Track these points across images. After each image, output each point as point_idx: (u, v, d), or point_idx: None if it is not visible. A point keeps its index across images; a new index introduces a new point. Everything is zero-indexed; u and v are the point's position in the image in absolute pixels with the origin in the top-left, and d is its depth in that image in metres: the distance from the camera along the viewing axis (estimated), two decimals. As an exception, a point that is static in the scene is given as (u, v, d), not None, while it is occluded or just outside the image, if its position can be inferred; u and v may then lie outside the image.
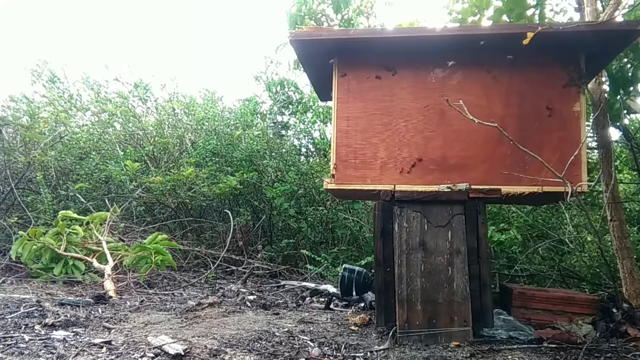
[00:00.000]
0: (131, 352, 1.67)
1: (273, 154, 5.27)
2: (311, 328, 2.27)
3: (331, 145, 2.30)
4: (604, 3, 2.96)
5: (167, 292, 3.19)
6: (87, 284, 3.17)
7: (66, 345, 1.73)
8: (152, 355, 1.65)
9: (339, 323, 2.42)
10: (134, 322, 2.21)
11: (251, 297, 3.09)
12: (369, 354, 1.87)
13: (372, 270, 3.03)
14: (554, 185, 2.07)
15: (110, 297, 2.75)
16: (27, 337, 1.80)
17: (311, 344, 1.98)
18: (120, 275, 3.32)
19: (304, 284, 3.73)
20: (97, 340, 1.79)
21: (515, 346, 1.97)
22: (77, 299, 2.59)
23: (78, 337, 1.86)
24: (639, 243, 4.02)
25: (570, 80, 2.16)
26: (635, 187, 4.64)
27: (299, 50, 2.32)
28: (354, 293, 3.06)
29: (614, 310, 2.43)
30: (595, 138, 3.08)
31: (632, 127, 3.58)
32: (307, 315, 2.63)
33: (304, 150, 6.57)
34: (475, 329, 2.05)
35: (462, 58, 2.23)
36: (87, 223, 3.54)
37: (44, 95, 5.94)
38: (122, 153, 5.22)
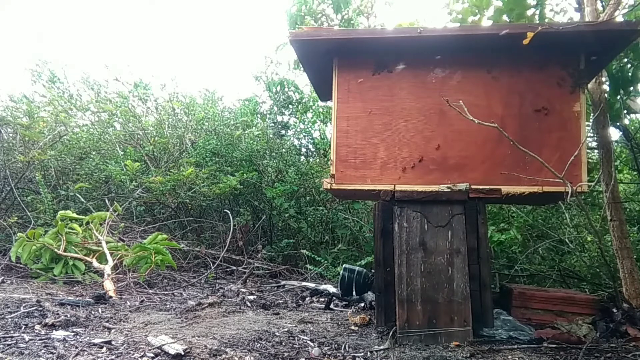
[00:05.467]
0: (131, 352, 1.67)
1: (273, 154, 5.27)
2: (311, 328, 2.27)
3: (331, 145, 2.30)
4: (604, 3, 2.96)
5: (167, 292, 3.19)
6: (87, 284, 3.17)
7: (66, 345, 1.73)
8: (152, 355, 1.65)
9: (339, 323, 2.42)
10: (134, 322, 2.21)
11: (251, 297, 3.09)
12: (369, 354, 1.87)
13: (372, 270, 3.03)
14: (554, 185, 2.07)
15: (110, 297, 2.75)
16: (27, 337, 1.80)
17: (311, 344, 1.98)
18: (120, 275, 3.32)
19: (304, 284, 3.73)
20: (97, 340, 1.79)
21: (515, 346, 1.97)
22: (77, 299, 2.59)
23: (78, 337, 1.86)
24: (639, 243, 4.02)
25: (570, 80, 2.16)
26: (635, 187, 4.64)
27: (299, 50, 2.32)
28: (354, 293, 3.06)
29: (614, 310, 2.43)
30: (595, 138, 3.08)
31: (632, 127, 3.58)
32: (307, 315, 2.63)
33: (304, 150, 6.57)
34: (475, 329, 2.06)
35: (462, 58, 2.23)
36: (87, 223, 3.53)
37: (44, 95, 5.94)
38: (122, 153, 5.22)
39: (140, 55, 14.03)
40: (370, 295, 2.97)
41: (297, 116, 6.76)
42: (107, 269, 3.11)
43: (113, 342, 1.78)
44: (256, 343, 1.91)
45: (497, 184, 2.14)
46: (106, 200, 4.50)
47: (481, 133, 2.16)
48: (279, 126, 6.88)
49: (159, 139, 5.36)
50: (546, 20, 3.03)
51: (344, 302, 3.09)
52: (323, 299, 3.15)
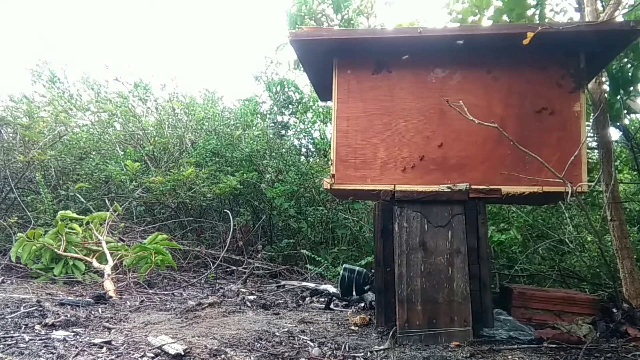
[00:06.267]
0: (131, 352, 1.67)
1: (273, 154, 5.27)
2: (311, 328, 2.27)
3: (331, 145, 2.30)
4: (604, 3, 2.96)
5: (167, 292, 3.19)
6: (87, 284, 3.17)
7: (66, 345, 1.73)
8: (152, 355, 1.65)
9: (339, 323, 2.42)
10: (134, 322, 2.21)
11: (251, 297, 3.09)
12: (369, 354, 1.87)
13: (372, 270, 3.03)
14: (554, 185, 2.07)
15: (110, 297, 2.75)
16: (27, 337, 1.80)
17: (311, 344, 1.98)
18: (120, 275, 3.32)
19: (304, 284, 3.73)
20: (97, 340, 1.79)
21: (515, 346, 1.97)
22: (77, 299, 2.59)
23: (78, 337, 1.86)
24: (639, 243, 4.02)
25: (571, 80, 2.16)
26: (635, 187, 4.64)
27: (299, 50, 2.32)
28: (354, 293, 3.06)
29: (614, 310, 2.43)
30: (595, 138, 3.08)
31: (632, 127, 3.58)
32: (307, 315, 2.63)
33: (304, 150, 6.57)
34: (475, 329, 2.05)
35: (462, 58, 2.23)
36: (87, 223, 3.53)
37: (44, 95, 5.95)
38: (122, 153, 5.22)
39: (140, 55, 14.04)
40: (370, 295, 2.97)
41: (297, 116, 6.76)
42: (107, 269, 3.11)
43: (113, 342, 1.78)
44: (256, 343, 1.91)
45: (497, 184, 2.14)
46: (106, 200, 4.50)
47: (481, 133, 2.16)
48: (279, 126, 6.88)
49: (159, 139, 5.36)
50: (546, 20, 3.03)
51: (344, 302, 3.09)
52: (323, 299, 3.15)
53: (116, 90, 6.16)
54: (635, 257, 2.81)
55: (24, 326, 1.98)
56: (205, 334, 1.98)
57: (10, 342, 1.74)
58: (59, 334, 1.89)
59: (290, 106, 6.96)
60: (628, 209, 4.44)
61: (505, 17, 3.01)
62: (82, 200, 4.57)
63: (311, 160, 6.16)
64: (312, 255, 4.27)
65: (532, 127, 2.16)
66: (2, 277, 3.25)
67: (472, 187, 2.13)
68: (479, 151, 2.18)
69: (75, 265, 3.27)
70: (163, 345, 1.72)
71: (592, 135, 3.18)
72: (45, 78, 6.18)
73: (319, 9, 6.04)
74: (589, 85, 2.70)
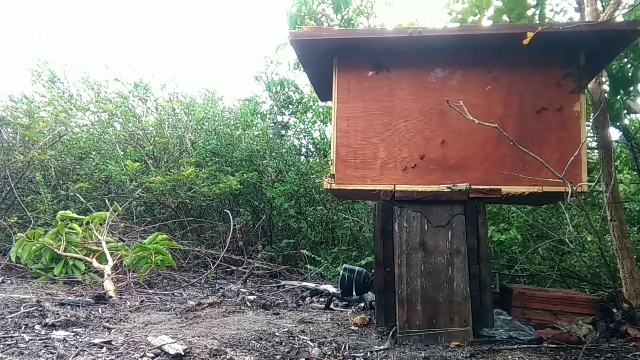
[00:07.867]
0: (131, 352, 1.67)
1: (273, 154, 5.27)
2: (311, 328, 2.27)
3: (331, 145, 2.30)
4: (604, 3, 2.96)
5: (167, 292, 3.19)
6: (87, 284, 3.17)
7: (66, 345, 1.73)
8: (152, 355, 1.65)
9: (339, 323, 2.42)
10: (134, 322, 2.21)
11: (251, 297, 3.09)
12: (369, 354, 1.87)
13: (372, 270, 3.03)
14: (554, 185, 2.07)
15: (110, 297, 2.75)
16: (27, 337, 1.80)
17: (311, 344, 1.98)
18: (120, 275, 3.32)
19: (304, 284, 3.73)
20: (97, 340, 1.79)
21: (515, 346, 1.97)
22: (77, 299, 2.59)
23: (78, 337, 1.86)
24: (639, 243, 4.02)
25: (571, 80, 2.16)
26: (635, 187, 4.64)
27: (299, 50, 2.32)
28: (354, 293, 3.06)
29: (614, 310, 2.43)
30: (595, 138, 3.08)
31: (632, 127, 3.58)
32: (307, 315, 2.63)
33: (304, 150, 6.57)
34: (475, 329, 2.06)
35: (462, 58, 2.23)
36: (87, 223, 3.53)
37: (44, 95, 5.94)
38: (122, 153, 5.22)
39: (140, 55, 14.05)
40: (370, 295, 2.97)
41: (297, 116, 6.76)
42: (107, 269, 3.11)
43: (113, 342, 1.78)
44: (256, 343, 1.91)
45: (497, 184, 2.14)
46: (106, 200, 4.50)
47: (481, 133, 2.16)
48: (279, 126, 6.89)
49: (159, 139, 5.36)
50: (546, 20, 3.03)
51: (344, 302, 3.09)
52: (323, 299, 3.15)
53: (116, 90, 6.17)
54: (635, 257, 2.81)
55: (24, 326, 1.98)
56: (205, 334, 1.98)
57: (10, 342, 1.74)
58: (59, 334, 1.89)
59: (290, 106, 6.96)
60: (628, 209, 4.44)
61: (505, 17, 3.01)
62: (82, 200, 4.57)
63: (311, 160, 6.16)
64: (312, 255, 4.28)
65: (532, 127, 2.16)
66: (2, 277, 3.25)
67: (472, 187, 2.13)
68: (479, 151, 2.18)
69: (75, 265, 3.27)
70: (163, 345, 1.72)
71: (592, 135, 3.17)
72: (45, 78, 6.18)
73: (319, 9, 6.05)
74: (589, 85, 2.70)
